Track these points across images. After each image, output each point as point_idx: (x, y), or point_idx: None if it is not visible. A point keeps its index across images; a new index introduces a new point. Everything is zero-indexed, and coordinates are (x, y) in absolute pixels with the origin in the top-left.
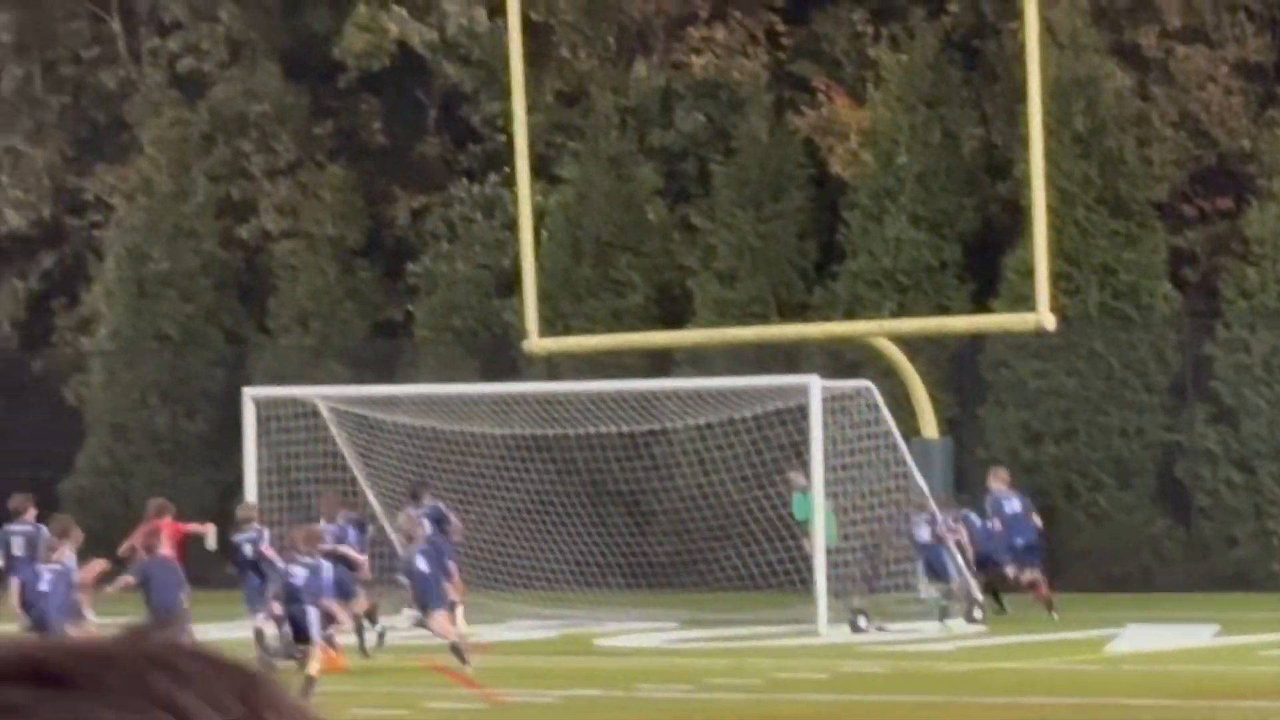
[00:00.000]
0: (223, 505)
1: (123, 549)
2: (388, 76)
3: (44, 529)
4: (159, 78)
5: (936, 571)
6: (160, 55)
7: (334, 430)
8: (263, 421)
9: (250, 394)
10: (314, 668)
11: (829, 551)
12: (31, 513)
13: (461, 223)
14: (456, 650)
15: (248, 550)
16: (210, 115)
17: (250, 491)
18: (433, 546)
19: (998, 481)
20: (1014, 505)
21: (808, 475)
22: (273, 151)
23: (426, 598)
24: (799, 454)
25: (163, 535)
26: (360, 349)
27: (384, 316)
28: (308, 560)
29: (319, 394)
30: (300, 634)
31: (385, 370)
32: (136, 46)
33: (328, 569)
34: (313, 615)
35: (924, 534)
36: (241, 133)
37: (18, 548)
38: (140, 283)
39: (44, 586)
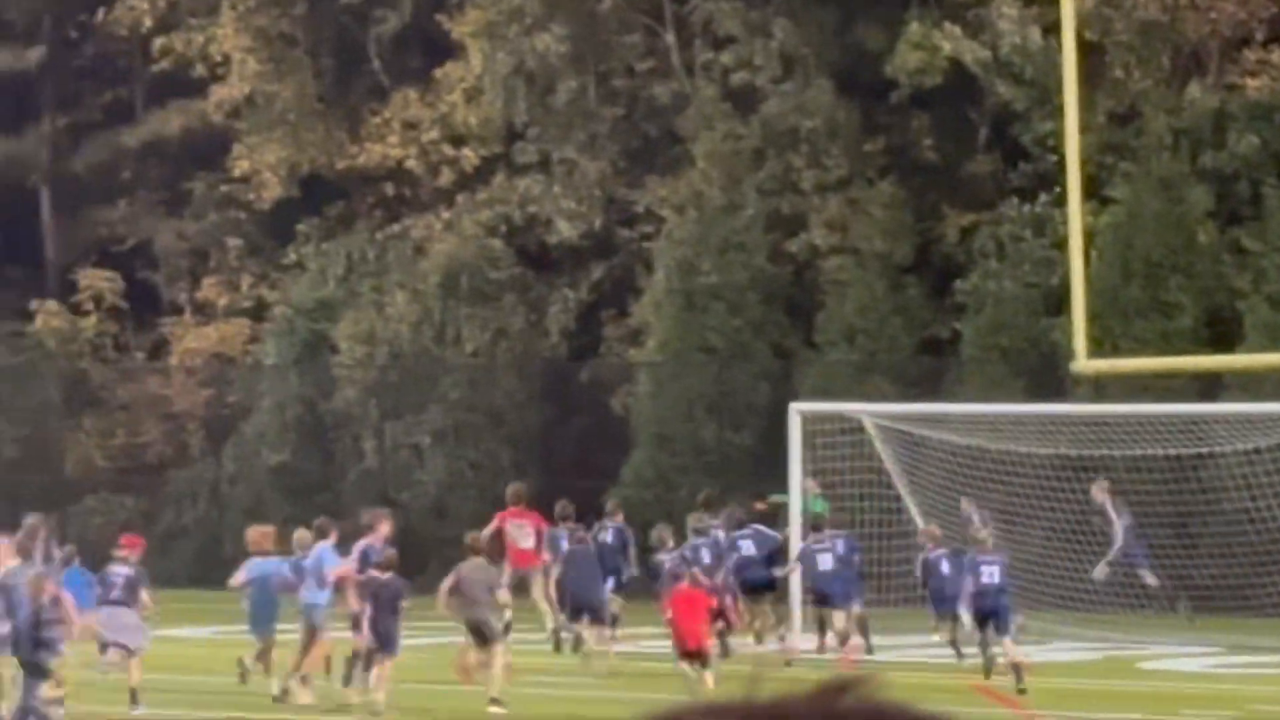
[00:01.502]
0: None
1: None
2: (939, 94)
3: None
4: (712, 91)
5: None
6: (713, 69)
7: (878, 446)
8: (808, 436)
9: (797, 408)
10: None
11: None
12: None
13: (1011, 241)
14: (1015, 669)
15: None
16: (762, 129)
17: (795, 505)
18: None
19: None
20: None
21: None
22: (823, 167)
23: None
24: None
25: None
26: (906, 365)
27: (931, 333)
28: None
29: (865, 410)
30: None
31: (931, 387)
32: (690, 60)
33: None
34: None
35: None
36: (792, 147)
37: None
38: (689, 295)
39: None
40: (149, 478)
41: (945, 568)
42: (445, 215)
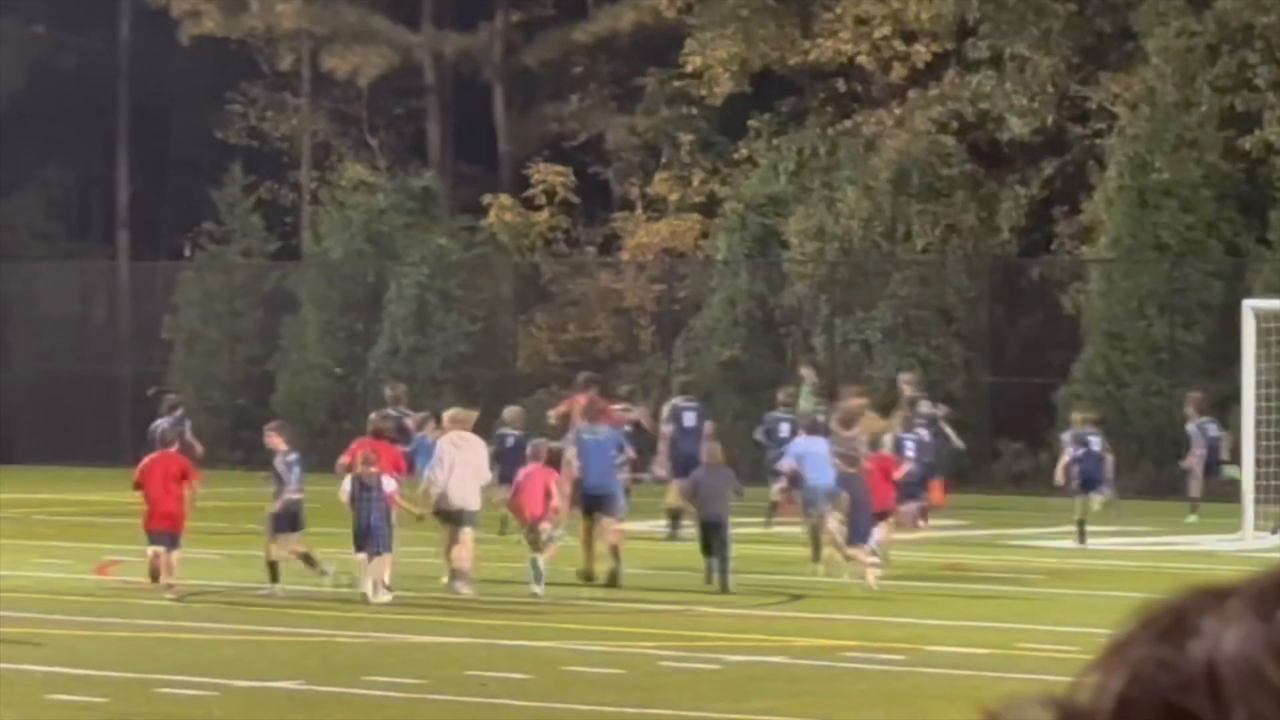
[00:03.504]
0: (1220, 415)
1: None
2: None
3: None
4: None
5: None
6: None
7: None
8: (1261, 334)
9: (1251, 305)
10: None
11: None
12: None
13: None
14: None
15: None
16: (1217, 25)
17: (1248, 403)
18: None
19: None
20: None
21: None
22: (1278, 64)
23: None
24: None
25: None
26: None
27: None
28: None
29: None
30: None
31: None
32: None
33: None
34: None
35: None
36: (1247, 44)
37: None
38: (1141, 192)
39: None
40: (600, 372)
41: None
42: (896, 111)
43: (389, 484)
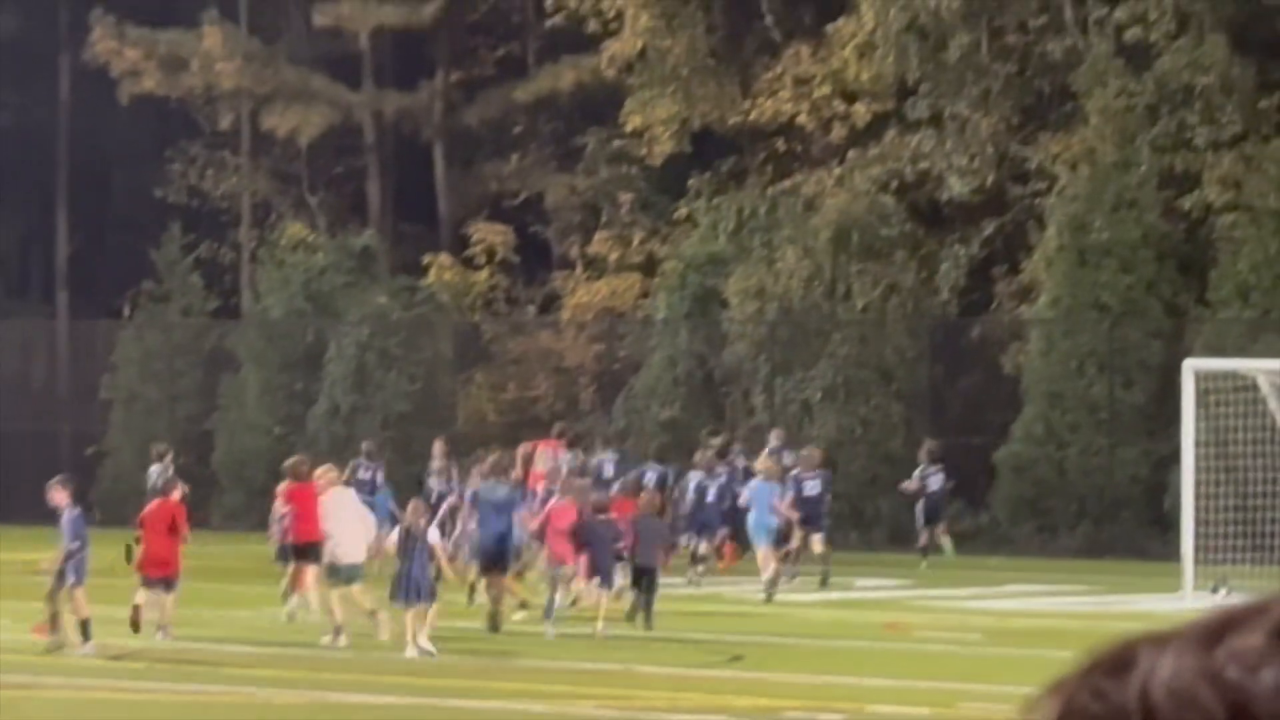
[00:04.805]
0: (1156, 477)
1: None
2: None
3: None
4: (1105, 48)
5: None
6: (1106, 25)
7: (1273, 404)
8: (1201, 394)
9: (1191, 366)
10: None
11: None
12: None
13: None
14: None
15: None
16: (1155, 86)
17: (1187, 463)
18: None
19: None
20: None
21: None
22: (1217, 124)
23: None
24: None
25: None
26: None
27: None
28: None
29: (1260, 367)
30: None
31: None
32: (1083, 16)
33: None
34: None
35: None
36: (1186, 104)
37: None
38: (1081, 252)
39: None
40: (540, 431)
41: None
42: (836, 171)
43: (434, 535)
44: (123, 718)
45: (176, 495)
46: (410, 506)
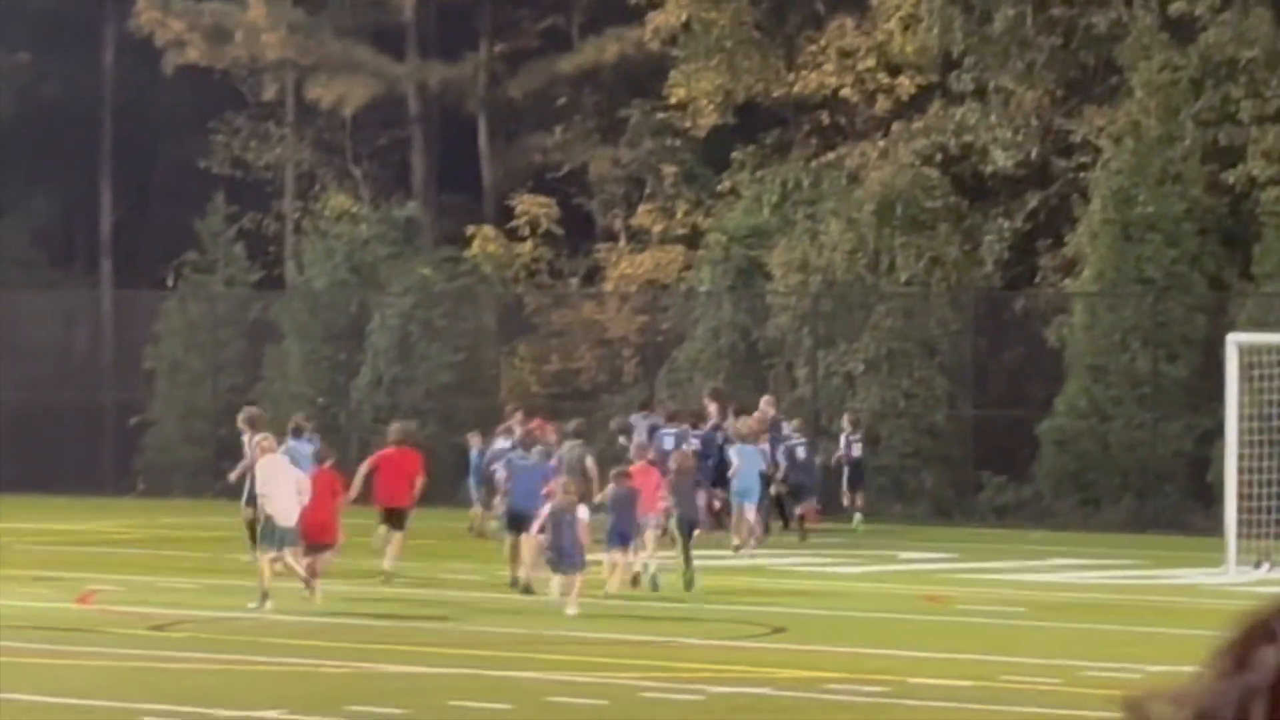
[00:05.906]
0: (1199, 451)
1: None
2: None
3: None
4: (1150, 21)
5: None
6: None
7: None
8: (1244, 368)
9: (1234, 339)
10: None
11: None
12: None
13: None
14: None
15: None
16: (1200, 60)
17: (1231, 437)
18: None
19: None
20: None
21: None
22: (1262, 97)
23: None
24: None
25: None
26: None
27: None
28: None
29: None
30: None
31: None
32: None
33: None
34: None
35: None
36: (1231, 78)
37: None
38: (1125, 226)
39: None
40: (582, 403)
41: None
42: (880, 143)
43: (584, 512)
44: (164, 686)
45: (329, 464)
46: (561, 484)
